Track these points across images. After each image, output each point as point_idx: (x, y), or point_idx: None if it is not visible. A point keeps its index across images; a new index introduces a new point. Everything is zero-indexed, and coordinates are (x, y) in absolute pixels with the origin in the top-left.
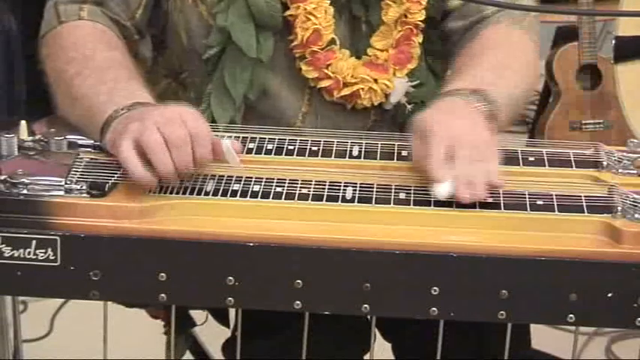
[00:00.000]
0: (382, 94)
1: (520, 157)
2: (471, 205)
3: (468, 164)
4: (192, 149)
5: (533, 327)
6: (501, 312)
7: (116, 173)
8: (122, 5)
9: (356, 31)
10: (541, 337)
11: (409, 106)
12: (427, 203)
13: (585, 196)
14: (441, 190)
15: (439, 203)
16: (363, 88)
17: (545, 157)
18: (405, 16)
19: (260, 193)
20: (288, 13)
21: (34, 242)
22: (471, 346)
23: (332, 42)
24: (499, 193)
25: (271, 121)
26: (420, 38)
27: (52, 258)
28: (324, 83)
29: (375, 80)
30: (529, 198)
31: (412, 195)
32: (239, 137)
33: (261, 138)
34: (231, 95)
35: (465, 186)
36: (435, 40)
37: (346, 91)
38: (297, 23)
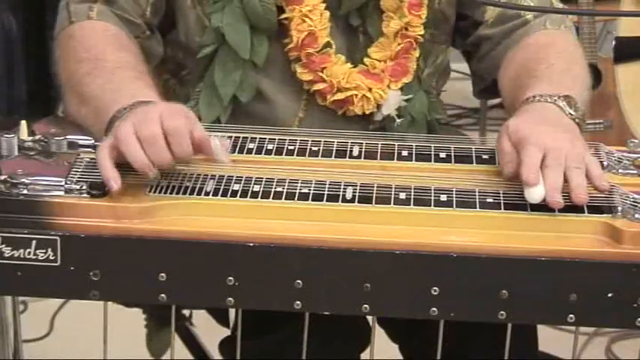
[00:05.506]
0: (375, 104)
1: None
2: (471, 205)
3: (561, 171)
4: (169, 146)
5: None
6: (501, 312)
7: None
8: (132, 3)
9: (353, 41)
10: (541, 337)
11: (398, 120)
12: (427, 203)
13: None
14: (533, 194)
15: (439, 203)
16: (356, 95)
17: None
18: (406, 29)
19: (260, 193)
20: (283, 15)
21: (34, 242)
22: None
23: (327, 45)
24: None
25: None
26: (417, 53)
27: (52, 258)
28: (318, 86)
29: (370, 89)
30: None
31: (412, 195)
32: (239, 137)
33: (261, 138)
34: (220, 94)
35: (556, 190)
36: (437, 55)
37: (340, 96)
38: (292, 25)
